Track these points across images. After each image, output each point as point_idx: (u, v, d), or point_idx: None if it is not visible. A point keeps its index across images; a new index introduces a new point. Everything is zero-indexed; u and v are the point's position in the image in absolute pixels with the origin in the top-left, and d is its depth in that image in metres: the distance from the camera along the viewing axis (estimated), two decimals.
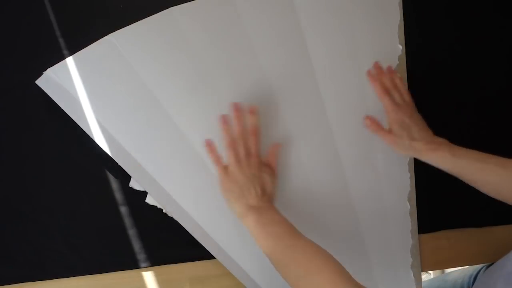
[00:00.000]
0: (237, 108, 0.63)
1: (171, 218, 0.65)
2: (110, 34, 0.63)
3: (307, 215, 0.68)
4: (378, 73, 0.69)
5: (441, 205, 0.74)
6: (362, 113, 0.70)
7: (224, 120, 0.62)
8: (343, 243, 0.69)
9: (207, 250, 0.65)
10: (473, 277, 0.74)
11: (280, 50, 0.68)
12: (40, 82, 0.62)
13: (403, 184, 0.71)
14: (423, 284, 0.72)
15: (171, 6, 0.65)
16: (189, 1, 0.66)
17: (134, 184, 0.65)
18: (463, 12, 0.76)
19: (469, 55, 0.75)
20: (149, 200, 0.65)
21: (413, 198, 0.71)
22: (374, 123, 0.69)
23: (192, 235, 0.65)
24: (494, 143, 0.75)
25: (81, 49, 0.63)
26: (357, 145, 0.70)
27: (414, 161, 0.71)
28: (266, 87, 0.67)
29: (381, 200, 0.71)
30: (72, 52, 0.64)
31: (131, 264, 0.66)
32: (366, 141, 0.70)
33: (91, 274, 0.65)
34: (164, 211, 0.65)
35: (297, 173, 0.68)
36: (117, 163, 0.63)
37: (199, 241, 0.65)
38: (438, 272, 1.27)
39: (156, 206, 0.66)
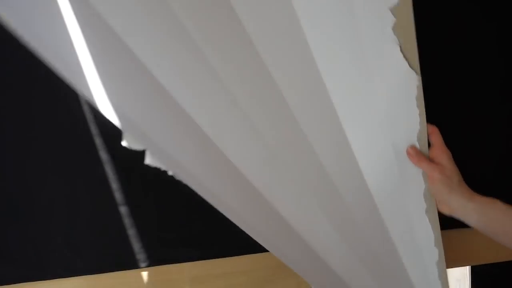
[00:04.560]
0: None
1: (171, 218, 0.65)
2: None
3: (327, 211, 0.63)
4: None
5: None
6: (372, 106, 0.63)
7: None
8: (373, 245, 0.65)
9: (207, 250, 0.65)
10: None
11: (277, 39, 0.59)
12: None
13: (418, 181, 0.65)
14: None
15: None
16: None
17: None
18: (460, 13, 0.76)
19: (467, 56, 0.75)
20: (150, 160, 0.57)
21: (428, 194, 0.67)
22: (419, 154, 0.63)
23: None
24: (492, 141, 0.75)
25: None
26: (371, 143, 0.64)
27: None
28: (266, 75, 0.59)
29: (401, 198, 0.66)
30: None
31: (131, 264, 0.66)
32: (377, 137, 0.64)
33: (91, 274, 0.65)
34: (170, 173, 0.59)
35: (312, 169, 0.63)
36: (117, 163, 0.63)
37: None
38: None
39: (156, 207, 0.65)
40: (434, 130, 0.63)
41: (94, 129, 0.65)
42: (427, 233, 0.65)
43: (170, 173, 0.58)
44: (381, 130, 0.63)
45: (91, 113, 0.65)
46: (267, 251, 0.70)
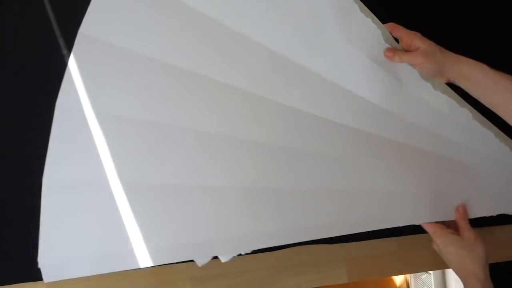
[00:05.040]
0: None
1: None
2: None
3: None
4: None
5: None
6: (329, 40, 0.65)
7: None
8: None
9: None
10: None
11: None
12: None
13: (411, 72, 0.67)
14: None
15: None
16: None
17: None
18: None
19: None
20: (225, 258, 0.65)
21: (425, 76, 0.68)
22: (396, 52, 0.64)
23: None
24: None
25: None
26: (354, 72, 0.67)
27: None
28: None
29: (410, 93, 0.69)
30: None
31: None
32: (354, 63, 0.67)
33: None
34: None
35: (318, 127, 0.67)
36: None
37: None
38: (438, 272, 1.26)
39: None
40: (393, 25, 0.64)
41: None
42: (448, 102, 0.68)
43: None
44: (353, 53, 0.65)
45: None
46: (267, 251, 0.70)
